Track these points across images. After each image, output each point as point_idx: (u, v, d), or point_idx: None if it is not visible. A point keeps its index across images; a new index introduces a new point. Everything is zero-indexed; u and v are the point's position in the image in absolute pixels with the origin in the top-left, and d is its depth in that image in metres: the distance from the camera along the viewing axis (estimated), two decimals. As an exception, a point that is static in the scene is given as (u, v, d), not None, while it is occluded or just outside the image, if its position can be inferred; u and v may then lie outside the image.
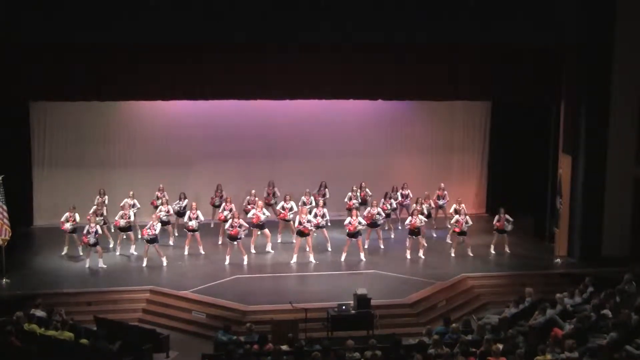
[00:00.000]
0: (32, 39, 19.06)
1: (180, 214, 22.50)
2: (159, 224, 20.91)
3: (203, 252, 21.68)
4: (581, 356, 13.96)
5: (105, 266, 20.57)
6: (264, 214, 21.54)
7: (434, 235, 23.22)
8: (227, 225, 20.93)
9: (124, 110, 23.97)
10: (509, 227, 21.76)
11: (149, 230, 20.48)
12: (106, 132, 24.28)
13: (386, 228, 23.12)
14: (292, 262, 20.99)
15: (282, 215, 22.16)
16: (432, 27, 20.14)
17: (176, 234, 22.81)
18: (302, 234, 20.91)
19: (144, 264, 20.75)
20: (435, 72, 21.25)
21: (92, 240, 20.26)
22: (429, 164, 25.69)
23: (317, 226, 21.45)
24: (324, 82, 20.99)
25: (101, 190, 22.55)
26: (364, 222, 21.25)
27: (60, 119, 23.86)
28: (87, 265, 20.50)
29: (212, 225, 23.30)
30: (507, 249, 21.98)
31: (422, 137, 25.72)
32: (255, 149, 24.48)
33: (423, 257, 21.44)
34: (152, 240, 20.65)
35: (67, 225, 21.04)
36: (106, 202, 22.32)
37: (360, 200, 23.29)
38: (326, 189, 23.53)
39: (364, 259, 21.15)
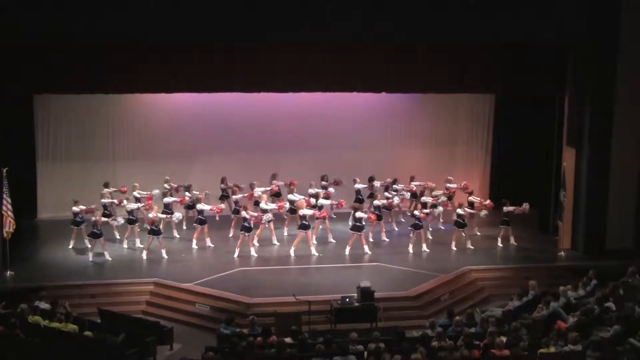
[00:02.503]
0: (35, 33, 19.05)
1: (189, 207, 22.56)
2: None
3: (211, 245, 21.69)
4: (584, 349, 13.96)
5: (110, 258, 20.62)
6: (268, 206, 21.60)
7: (442, 227, 23.24)
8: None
9: (127, 103, 24.02)
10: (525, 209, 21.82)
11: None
12: (110, 125, 24.36)
13: (389, 220, 23.14)
14: (291, 254, 20.98)
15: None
16: (436, 25, 20.11)
17: (185, 227, 22.87)
18: (305, 227, 20.94)
19: (144, 256, 20.78)
20: (439, 65, 21.19)
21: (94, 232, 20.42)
22: (432, 157, 25.69)
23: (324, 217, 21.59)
24: (328, 75, 20.96)
25: (106, 183, 22.54)
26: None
27: (64, 112, 23.92)
28: (90, 259, 20.54)
29: (217, 219, 23.31)
30: (513, 242, 21.99)
31: (426, 130, 25.73)
32: (258, 142, 24.48)
33: (427, 250, 21.44)
34: (156, 232, 20.68)
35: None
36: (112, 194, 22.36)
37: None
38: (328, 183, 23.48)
39: (368, 252, 21.15)
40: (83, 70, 20.07)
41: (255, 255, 20.94)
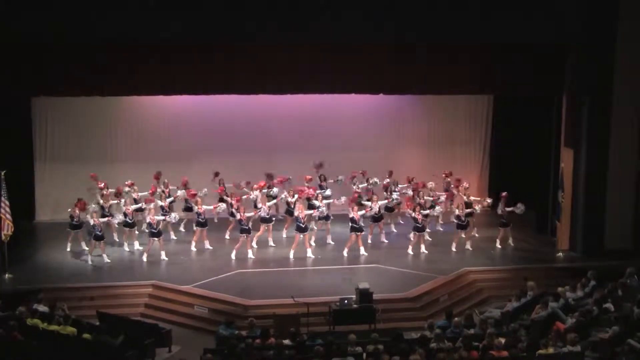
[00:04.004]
0: (34, 36, 19.05)
1: (188, 208, 22.56)
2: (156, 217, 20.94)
3: (210, 247, 21.66)
4: (583, 350, 13.95)
5: (109, 261, 20.59)
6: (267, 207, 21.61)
7: (440, 229, 23.23)
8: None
9: (125, 105, 24.03)
10: (520, 210, 21.77)
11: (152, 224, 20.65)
12: (108, 127, 24.36)
13: (388, 222, 23.13)
14: (290, 257, 20.95)
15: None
16: (435, 25, 20.12)
17: (183, 230, 22.84)
18: (302, 229, 20.91)
19: (145, 259, 20.76)
20: (438, 65, 21.18)
21: (97, 234, 20.37)
22: (431, 158, 25.66)
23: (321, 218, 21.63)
24: (326, 76, 20.94)
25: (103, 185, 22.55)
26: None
27: (61, 114, 23.90)
28: (89, 262, 20.52)
29: (215, 221, 23.27)
30: (511, 242, 21.99)
31: (424, 131, 25.72)
32: (256, 144, 24.47)
33: (426, 251, 21.43)
34: (155, 234, 20.66)
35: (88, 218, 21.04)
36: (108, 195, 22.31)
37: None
38: (326, 182, 23.48)
39: (364, 254, 21.11)
40: (81, 73, 20.06)
41: (253, 257, 20.92)
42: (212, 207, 21.91)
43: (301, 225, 20.92)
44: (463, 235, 21.73)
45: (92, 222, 20.40)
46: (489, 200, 22.76)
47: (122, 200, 21.77)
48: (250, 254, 20.94)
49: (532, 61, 21.29)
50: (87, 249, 20.98)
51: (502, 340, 14.19)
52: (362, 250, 21.17)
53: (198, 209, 21.49)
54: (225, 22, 19.59)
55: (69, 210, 21.12)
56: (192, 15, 19.46)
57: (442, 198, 22.90)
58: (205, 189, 22.52)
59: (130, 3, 19.24)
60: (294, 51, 20.58)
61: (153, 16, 19.31)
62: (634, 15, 20.78)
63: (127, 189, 22.17)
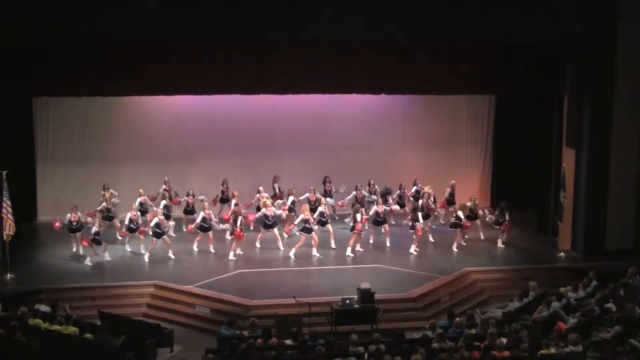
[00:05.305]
0: (34, 36, 19.05)
1: (188, 211, 22.51)
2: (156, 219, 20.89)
3: (213, 251, 21.53)
4: (585, 350, 13.94)
5: (110, 259, 20.59)
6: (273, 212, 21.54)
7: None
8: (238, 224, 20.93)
9: (127, 106, 24.00)
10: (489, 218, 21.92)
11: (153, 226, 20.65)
12: (110, 128, 24.29)
13: (392, 223, 23.12)
14: (291, 256, 20.91)
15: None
16: (435, 25, 20.12)
17: (184, 230, 22.79)
18: (308, 230, 20.86)
19: (147, 259, 20.77)
20: (438, 66, 21.19)
21: (96, 238, 20.38)
22: (433, 158, 25.58)
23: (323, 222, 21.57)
24: (327, 76, 20.96)
25: (105, 185, 22.52)
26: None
27: (63, 114, 23.86)
28: (89, 263, 20.48)
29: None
30: (500, 244, 21.93)
31: (426, 131, 25.64)
32: (259, 144, 24.44)
33: (427, 252, 21.43)
34: (159, 234, 20.65)
35: (60, 224, 21.03)
36: (112, 197, 22.26)
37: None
38: (331, 184, 23.45)
39: (351, 255, 21.06)
40: (81, 73, 20.06)
41: (234, 258, 20.78)
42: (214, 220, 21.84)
43: (308, 226, 20.84)
44: (464, 236, 21.75)
45: (94, 229, 20.36)
46: (490, 217, 22.64)
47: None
48: (231, 256, 20.79)
49: (532, 61, 21.29)
50: (91, 250, 20.93)
51: (504, 340, 14.20)
52: (350, 251, 21.11)
53: (205, 214, 21.27)
54: (225, 22, 19.61)
55: (68, 215, 21.00)
56: (192, 15, 19.48)
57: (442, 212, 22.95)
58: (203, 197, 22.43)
59: (130, 3, 19.28)
60: (294, 51, 20.58)
61: (153, 16, 19.33)
62: (634, 15, 20.78)
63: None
